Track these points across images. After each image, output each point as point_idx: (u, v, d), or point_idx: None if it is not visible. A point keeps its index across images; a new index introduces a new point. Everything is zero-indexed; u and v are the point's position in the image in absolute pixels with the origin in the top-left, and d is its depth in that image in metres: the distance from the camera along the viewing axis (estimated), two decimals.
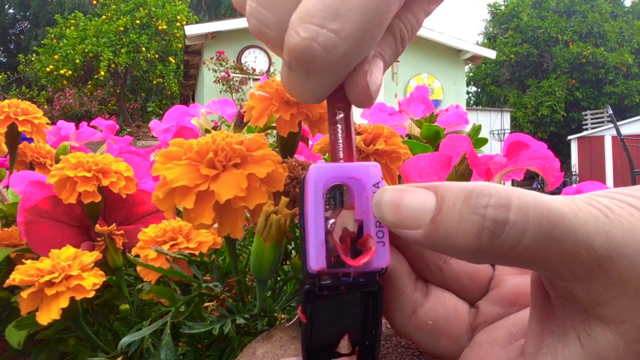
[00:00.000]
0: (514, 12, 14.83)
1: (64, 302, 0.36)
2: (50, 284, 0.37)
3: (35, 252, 0.46)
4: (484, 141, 0.73)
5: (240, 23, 7.53)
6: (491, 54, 9.51)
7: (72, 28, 10.84)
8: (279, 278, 0.38)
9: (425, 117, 0.79)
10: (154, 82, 11.50)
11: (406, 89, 8.31)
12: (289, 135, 0.34)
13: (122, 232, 0.47)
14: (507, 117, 10.93)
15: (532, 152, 0.44)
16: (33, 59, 11.48)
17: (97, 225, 0.47)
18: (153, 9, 10.45)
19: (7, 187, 0.57)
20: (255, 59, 8.06)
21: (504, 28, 15.03)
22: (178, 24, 10.53)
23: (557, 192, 0.34)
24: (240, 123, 0.63)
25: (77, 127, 0.92)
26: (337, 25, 0.19)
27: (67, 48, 10.50)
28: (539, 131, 13.40)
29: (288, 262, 0.39)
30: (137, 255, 0.41)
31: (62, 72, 10.56)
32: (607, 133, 10.25)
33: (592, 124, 11.22)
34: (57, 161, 0.64)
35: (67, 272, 0.38)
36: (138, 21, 10.37)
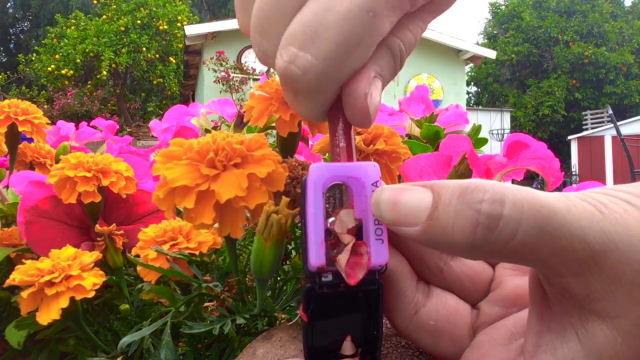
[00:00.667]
0: (514, 12, 14.83)
1: (64, 302, 0.36)
2: (50, 284, 0.37)
3: (35, 252, 0.46)
4: (484, 141, 0.73)
5: None
6: (491, 54, 9.52)
7: (72, 28, 10.85)
8: (279, 278, 0.38)
9: (425, 117, 0.79)
10: (154, 82, 11.51)
11: (406, 88, 8.32)
12: (289, 135, 0.34)
13: (122, 232, 0.47)
14: (507, 117, 10.93)
15: (532, 152, 0.44)
16: (33, 58, 11.48)
17: (97, 225, 0.47)
18: (154, 9, 10.46)
19: (7, 187, 0.57)
20: (255, 59, 8.06)
21: (505, 28, 15.04)
22: (179, 24, 10.53)
23: (557, 192, 0.34)
24: (240, 123, 0.63)
25: (77, 127, 0.92)
26: (314, 47, 0.19)
27: (68, 48, 10.51)
28: (539, 131, 13.40)
29: (288, 262, 0.39)
30: (137, 255, 0.41)
31: (63, 72, 10.57)
32: (607, 133, 10.26)
33: (592, 124, 11.22)
34: (57, 161, 0.64)
35: (67, 272, 0.38)
36: (139, 21, 10.38)
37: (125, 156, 0.52)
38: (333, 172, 0.22)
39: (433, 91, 8.78)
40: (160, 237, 0.41)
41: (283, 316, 0.35)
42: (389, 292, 0.23)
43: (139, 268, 0.42)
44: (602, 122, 10.98)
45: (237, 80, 7.91)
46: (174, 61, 11.35)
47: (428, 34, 8.34)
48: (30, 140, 0.60)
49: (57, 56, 10.68)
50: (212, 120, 0.78)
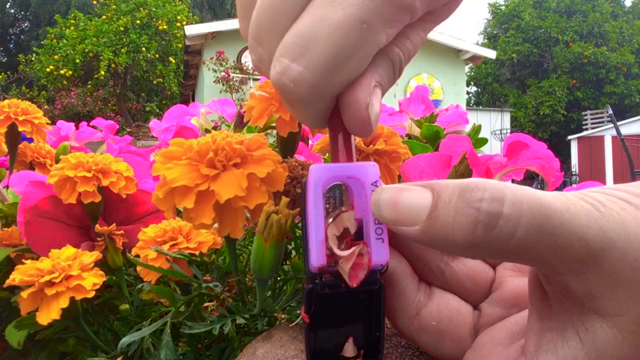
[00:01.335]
0: (514, 12, 14.84)
1: (64, 302, 0.36)
2: (50, 284, 0.37)
3: (35, 252, 0.46)
4: (484, 141, 0.73)
5: None
6: (491, 54, 9.51)
7: (72, 28, 10.85)
8: (279, 278, 0.38)
9: (425, 117, 0.79)
10: (154, 82, 11.51)
11: (406, 88, 8.31)
12: (289, 135, 0.34)
13: (122, 232, 0.47)
14: (507, 117, 10.93)
15: (532, 152, 0.44)
16: (33, 59, 11.48)
17: (97, 225, 0.47)
18: (153, 9, 10.46)
19: (7, 187, 0.57)
20: None
21: (505, 28, 15.04)
22: (178, 24, 10.53)
23: (557, 192, 0.34)
24: (240, 123, 0.63)
25: (77, 127, 0.92)
26: (305, 59, 0.19)
27: (67, 48, 10.51)
28: (539, 131, 13.41)
29: (288, 262, 0.39)
30: (137, 255, 0.41)
31: (62, 72, 10.57)
32: (607, 133, 10.26)
33: (592, 124, 11.22)
34: (57, 161, 0.64)
35: (67, 272, 0.38)
36: (138, 21, 10.38)
37: (125, 156, 0.51)
38: (333, 173, 0.22)
39: (433, 91, 8.78)
40: (160, 237, 0.41)
41: (283, 316, 0.34)
42: (390, 292, 0.23)
43: (139, 268, 0.42)
44: (602, 122, 10.97)
45: (237, 80, 7.91)
46: (173, 61, 11.35)
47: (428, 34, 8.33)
48: (30, 140, 0.60)
49: (56, 56, 10.68)
50: (212, 120, 0.78)
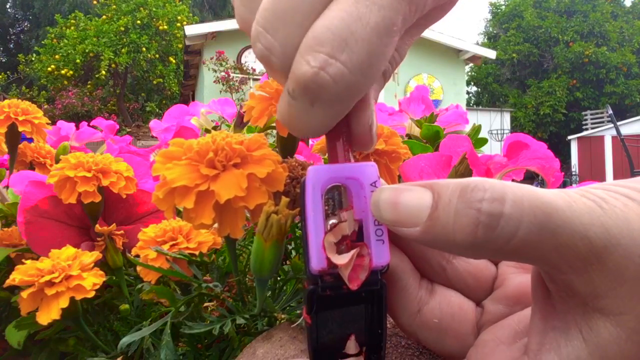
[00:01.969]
0: (514, 12, 14.84)
1: (64, 302, 0.36)
2: (50, 284, 0.37)
3: (35, 252, 0.46)
4: (484, 141, 0.73)
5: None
6: (491, 53, 9.51)
7: (72, 28, 10.85)
8: (279, 278, 0.38)
9: (425, 117, 0.79)
10: (154, 82, 11.51)
11: (406, 89, 8.31)
12: (289, 136, 0.34)
13: (122, 232, 0.47)
14: (507, 117, 10.93)
15: (532, 152, 0.44)
16: (33, 59, 11.48)
17: (97, 225, 0.47)
18: (154, 9, 10.46)
19: (7, 187, 0.57)
20: (255, 59, 8.05)
21: (505, 28, 15.04)
22: (178, 24, 10.54)
23: None
24: (240, 123, 0.63)
25: (77, 127, 0.92)
26: (345, 56, 0.18)
27: (68, 48, 10.51)
28: (539, 131, 13.41)
29: (288, 262, 0.39)
30: (137, 255, 0.41)
31: (62, 72, 10.57)
32: (607, 133, 10.26)
33: (592, 124, 11.23)
34: (57, 161, 0.64)
35: (67, 272, 0.38)
36: (139, 21, 10.38)
37: (125, 156, 0.51)
38: (331, 174, 0.21)
39: (433, 91, 8.77)
40: (160, 237, 0.41)
41: (283, 316, 0.34)
42: (392, 290, 0.23)
43: (139, 268, 0.42)
44: (602, 122, 10.97)
45: (237, 80, 7.91)
46: (174, 61, 11.35)
47: (428, 34, 8.33)
48: (30, 140, 0.60)
49: (56, 56, 10.68)
50: (212, 120, 0.78)
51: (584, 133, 11.04)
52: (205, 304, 0.40)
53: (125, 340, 0.34)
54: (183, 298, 0.37)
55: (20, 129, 0.55)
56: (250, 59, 8.11)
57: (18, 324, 0.41)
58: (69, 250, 0.40)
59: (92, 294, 0.37)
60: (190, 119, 0.76)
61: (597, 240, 0.17)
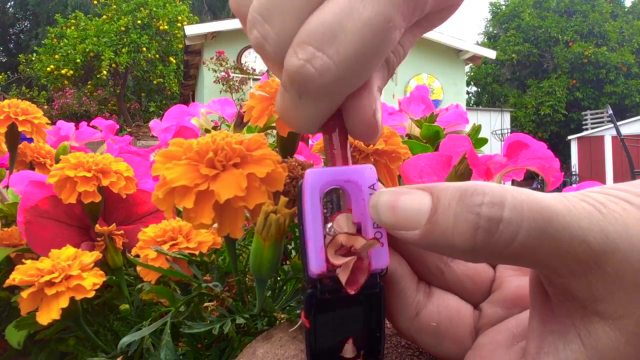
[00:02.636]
0: (514, 12, 14.84)
1: (64, 302, 0.36)
2: (50, 284, 0.37)
3: (35, 252, 0.46)
4: (484, 141, 0.73)
5: (240, 23, 7.54)
6: (491, 54, 9.52)
7: (72, 28, 10.85)
8: (279, 278, 0.38)
9: (425, 117, 0.79)
10: (155, 82, 11.51)
11: (406, 88, 8.31)
12: (289, 135, 0.34)
13: (122, 232, 0.47)
14: (507, 117, 10.93)
15: (532, 152, 0.44)
16: (33, 58, 11.48)
17: (97, 225, 0.47)
18: (154, 9, 10.46)
19: (7, 187, 0.57)
20: (255, 59, 8.07)
21: (505, 28, 15.04)
22: (179, 24, 10.54)
23: (557, 192, 0.34)
24: (240, 123, 0.63)
25: (77, 127, 0.92)
26: (332, 50, 0.18)
27: (68, 48, 10.51)
28: (539, 131, 13.41)
29: (288, 262, 0.39)
30: (137, 255, 0.41)
31: (63, 72, 10.57)
32: (607, 133, 10.25)
33: (592, 124, 11.22)
34: (57, 161, 0.64)
35: (67, 272, 0.38)
36: (139, 21, 10.38)
37: (125, 156, 0.52)
38: (329, 177, 0.21)
39: (433, 91, 8.77)
40: (160, 237, 0.41)
41: (283, 316, 0.34)
42: (390, 293, 0.23)
43: (139, 268, 0.42)
44: (602, 122, 10.97)
45: (237, 80, 7.91)
46: (174, 61, 11.35)
47: (428, 33, 8.25)
48: (30, 140, 0.60)
49: (57, 56, 10.68)
50: (212, 120, 0.78)
51: (584, 133, 11.04)
52: (205, 304, 0.40)
53: (125, 340, 0.34)
54: (183, 298, 0.37)
55: (20, 129, 0.55)
56: (250, 59, 8.11)
57: (18, 324, 0.41)
58: (69, 250, 0.40)
59: (92, 294, 0.37)
60: (190, 119, 0.76)
61: (596, 245, 0.17)
